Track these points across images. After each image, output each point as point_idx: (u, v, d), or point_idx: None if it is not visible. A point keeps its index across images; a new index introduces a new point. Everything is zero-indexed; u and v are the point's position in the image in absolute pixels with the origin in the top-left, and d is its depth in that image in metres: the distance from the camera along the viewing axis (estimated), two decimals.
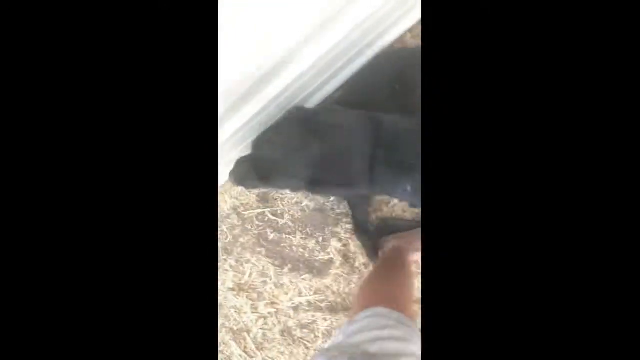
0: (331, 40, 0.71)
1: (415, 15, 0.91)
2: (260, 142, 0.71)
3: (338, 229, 1.02)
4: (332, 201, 1.02)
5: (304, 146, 0.66)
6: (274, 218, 1.05)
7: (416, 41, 0.95)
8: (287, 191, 0.85)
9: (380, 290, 0.69)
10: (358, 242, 0.99)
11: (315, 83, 0.83)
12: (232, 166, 0.76)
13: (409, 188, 0.66)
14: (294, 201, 1.04)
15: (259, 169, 0.68)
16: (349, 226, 1.01)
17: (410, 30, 0.95)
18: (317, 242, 1.04)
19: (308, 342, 1.05)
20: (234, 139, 0.79)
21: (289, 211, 1.05)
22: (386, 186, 0.70)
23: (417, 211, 0.96)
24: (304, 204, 1.04)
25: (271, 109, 0.77)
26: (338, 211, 1.02)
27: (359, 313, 0.59)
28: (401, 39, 0.94)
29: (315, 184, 0.67)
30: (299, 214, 1.04)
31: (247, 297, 1.07)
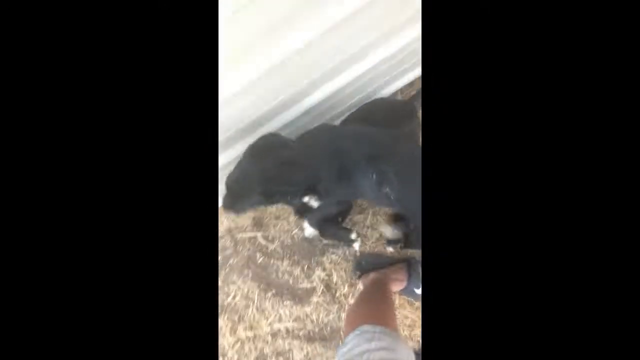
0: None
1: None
2: (231, 175, 0.79)
3: (324, 259, 1.09)
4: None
5: (257, 163, 0.74)
6: (264, 243, 1.13)
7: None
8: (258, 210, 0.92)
9: (363, 313, 0.75)
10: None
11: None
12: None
13: (374, 176, 0.73)
14: (285, 228, 1.12)
15: (227, 198, 0.76)
16: (334, 256, 1.08)
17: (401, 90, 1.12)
18: (302, 269, 1.10)
19: None
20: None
21: (280, 237, 1.12)
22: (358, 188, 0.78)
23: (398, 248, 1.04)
24: (294, 232, 1.12)
25: None
26: (325, 242, 1.10)
27: (348, 335, 0.65)
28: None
29: (268, 195, 0.75)
30: (289, 241, 1.12)
31: (227, 318, 1.10)
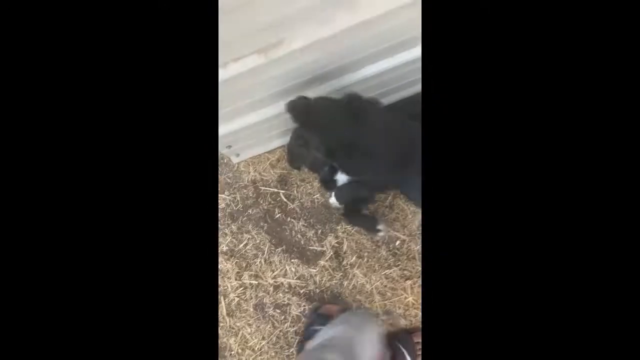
0: None
1: None
2: (317, 101, 0.81)
3: (338, 227, 1.13)
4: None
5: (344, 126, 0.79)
6: (285, 200, 1.17)
7: None
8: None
9: None
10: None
11: None
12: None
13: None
14: (308, 191, 1.17)
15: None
16: (348, 227, 1.13)
17: None
18: (316, 233, 1.14)
19: (276, 322, 1.11)
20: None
21: (300, 199, 1.17)
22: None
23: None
24: (315, 197, 1.16)
25: None
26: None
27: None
28: None
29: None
30: (309, 204, 1.16)
31: (235, 263, 1.15)
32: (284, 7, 0.60)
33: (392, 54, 0.85)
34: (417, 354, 0.99)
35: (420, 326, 1.04)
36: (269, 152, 1.19)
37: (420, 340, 1.00)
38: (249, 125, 0.95)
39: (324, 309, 1.06)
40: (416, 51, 0.87)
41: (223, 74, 0.70)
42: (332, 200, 1.00)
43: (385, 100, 1.06)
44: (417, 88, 1.07)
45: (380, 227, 1.02)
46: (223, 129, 0.93)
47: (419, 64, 0.87)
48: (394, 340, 1.00)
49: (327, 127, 0.79)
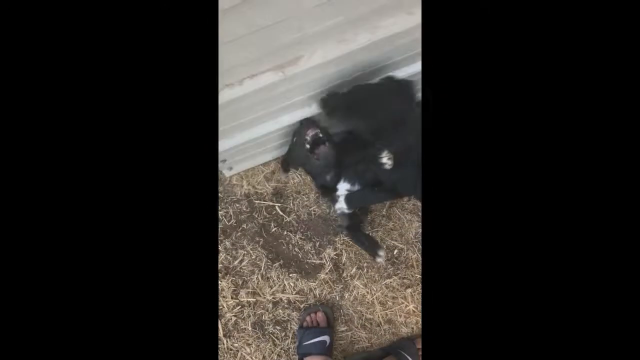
0: None
1: None
2: (355, 89, 0.81)
3: (336, 239, 1.13)
4: (337, 214, 1.14)
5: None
6: (281, 214, 1.15)
7: None
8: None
9: None
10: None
11: None
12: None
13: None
14: (304, 203, 1.15)
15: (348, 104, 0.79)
16: (346, 238, 1.13)
17: None
18: (314, 245, 1.13)
19: (277, 339, 1.08)
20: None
21: (297, 211, 1.15)
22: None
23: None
24: (312, 209, 1.15)
25: None
26: (340, 223, 1.14)
27: None
28: None
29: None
30: (305, 216, 1.15)
31: (231, 281, 1.11)
32: (309, 27, 0.58)
33: (398, 68, 0.86)
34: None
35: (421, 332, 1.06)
36: (264, 164, 1.16)
37: (421, 347, 1.03)
38: (248, 140, 0.92)
39: (308, 321, 1.05)
40: (418, 65, 0.89)
41: (235, 92, 0.67)
42: (340, 205, 0.99)
43: None
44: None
45: (380, 253, 1.04)
46: (222, 146, 0.89)
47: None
48: (396, 348, 1.02)
49: (373, 111, 0.79)
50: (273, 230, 1.14)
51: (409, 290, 1.08)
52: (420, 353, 1.02)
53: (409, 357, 1.00)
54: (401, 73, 0.87)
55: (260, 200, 1.15)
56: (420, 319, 1.07)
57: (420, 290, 1.08)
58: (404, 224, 1.14)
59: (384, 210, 1.14)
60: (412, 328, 1.07)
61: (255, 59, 0.60)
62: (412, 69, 0.88)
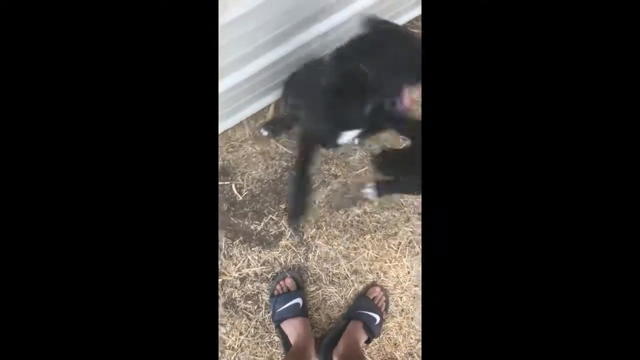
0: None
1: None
2: None
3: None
4: (287, 179, 1.17)
5: None
6: (235, 192, 1.15)
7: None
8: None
9: None
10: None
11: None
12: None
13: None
14: (253, 177, 1.16)
15: None
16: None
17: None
18: (272, 218, 1.14)
19: (251, 313, 1.08)
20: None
21: (248, 186, 1.16)
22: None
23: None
24: (265, 181, 1.16)
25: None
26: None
27: None
28: None
29: None
30: (258, 190, 1.16)
31: None
32: None
33: None
34: (379, 306, 1.06)
35: (373, 282, 1.11)
36: None
37: (376, 295, 1.07)
38: None
39: (278, 288, 1.07)
40: None
41: None
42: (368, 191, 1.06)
43: None
44: None
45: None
46: None
47: None
48: (354, 310, 1.06)
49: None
50: (225, 208, 1.14)
51: (367, 236, 1.13)
52: (377, 300, 1.06)
53: (369, 313, 1.04)
54: None
55: None
56: (382, 263, 1.12)
57: (379, 237, 1.13)
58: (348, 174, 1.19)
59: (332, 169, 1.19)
60: (377, 273, 1.12)
61: None
62: None
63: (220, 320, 1.06)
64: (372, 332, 1.02)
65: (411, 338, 1.08)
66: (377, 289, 1.08)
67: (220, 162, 1.15)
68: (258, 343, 1.06)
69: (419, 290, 1.11)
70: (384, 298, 1.08)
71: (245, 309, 1.08)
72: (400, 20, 1.22)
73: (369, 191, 1.10)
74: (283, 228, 1.13)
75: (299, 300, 1.05)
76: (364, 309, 1.04)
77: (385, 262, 1.12)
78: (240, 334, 1.06)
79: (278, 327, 1.04)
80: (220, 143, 1.16)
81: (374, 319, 1.03)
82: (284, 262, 1.11)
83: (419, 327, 1.08)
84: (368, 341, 1.03)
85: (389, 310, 1.08)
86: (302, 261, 1.12)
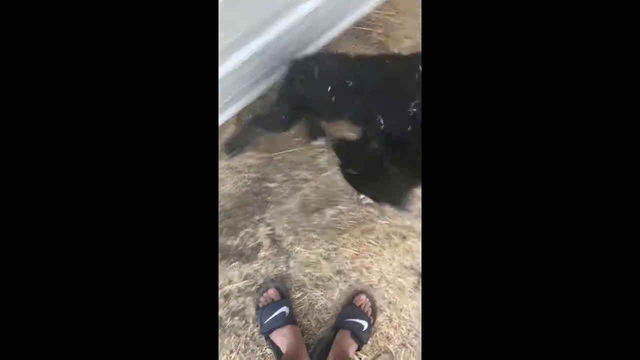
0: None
1: None
2: None
3: (265, 215, 1.15)
4: (260, 189, 1.16)
5: None
6: None
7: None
8: None
9: None
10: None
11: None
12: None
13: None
14: (223, 192, 1.16)
15: None
16: (274, 210, 1.15)
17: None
18: (247, 232, 1.14)
19: (239, 329, 1.07)
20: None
21: (220, 203, 1.15)
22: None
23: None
24: (236, 196, 1.16)
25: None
26: (267, 197, 1.16)
27: None
28: None
29: None
30: (229, 206, 1.15)
31: None
32: None
33: None
34: (366, 312, 1.05)
35: (359, 288, 1.10)
36: None
37: (362, 302, 1.06)
38: None
39: (262, 300, 1.06)
40: None
41: None
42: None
43: None
44: None
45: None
46: None
47: None
48: (342, 319, 1.05)
49: None
50: None
51: (345, 235, 1.13)
52: (363, 306, 1.05)
53: (356, 320, 1.03)
54: None
55: None
56: (364, 260, 1.12)
57: (357, 234, 1.13)
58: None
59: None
60: (360, 271, 1.12)
61: None
62: None
63: None
64: (360, 339, 1.02)
65: (402, 329, 1.08)
66: (363, 297, 1.07)
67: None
68: (250, 358, 1.05)
69: (403, 281, 1.12)
70: (369, 304, 1.07)
71: (233, 326, 1.07)
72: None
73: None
74: (260, 239, 1.13)
75: (284, 309, 1.04)
76: (351, 317, 1.04)
77: (367, 258, 1.12)
78: (231, 352, 1.05)
79: (268, 338, 1.03)
80: None
81: (362, 326, 1.03)
82: (266, 273, 1.11)
83: (408, 318, 1.09)
84: (359, 349, 1.03)
85: (376, 314, 1.08)
86: (284, 269, 1.11)
